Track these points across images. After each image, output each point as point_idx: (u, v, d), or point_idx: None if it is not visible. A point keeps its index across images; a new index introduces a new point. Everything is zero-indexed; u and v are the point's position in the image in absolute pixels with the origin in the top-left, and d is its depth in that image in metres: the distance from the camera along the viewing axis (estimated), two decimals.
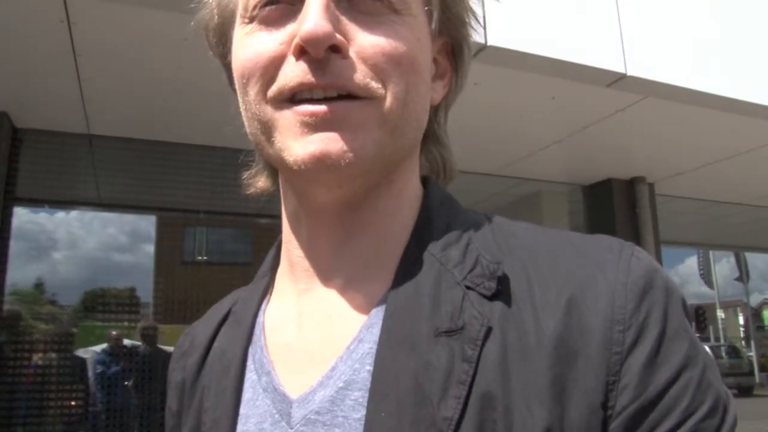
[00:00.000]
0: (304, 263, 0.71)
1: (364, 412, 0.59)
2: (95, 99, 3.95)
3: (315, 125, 0.61)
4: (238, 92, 0.68)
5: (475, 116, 4.01)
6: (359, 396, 0.60)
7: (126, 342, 5.50)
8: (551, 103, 4.22)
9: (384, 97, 0.63)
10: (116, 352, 5.41)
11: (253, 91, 0.64)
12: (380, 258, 0.68)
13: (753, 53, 4.34)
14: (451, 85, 0.77)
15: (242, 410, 0.68)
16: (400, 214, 0.71)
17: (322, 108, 0.60)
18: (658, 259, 5.88)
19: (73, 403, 4.85)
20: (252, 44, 0.64)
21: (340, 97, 0.61)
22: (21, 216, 4.77)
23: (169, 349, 5.49)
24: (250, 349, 0.71)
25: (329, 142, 0.60)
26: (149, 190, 5.04)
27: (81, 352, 5.35)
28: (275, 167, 0.75)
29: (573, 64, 3.64)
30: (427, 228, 0.69)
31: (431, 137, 0.76)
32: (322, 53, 0.60)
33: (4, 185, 4.24)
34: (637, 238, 5.79)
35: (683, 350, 0.56)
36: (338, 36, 0.60)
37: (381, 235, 0.69)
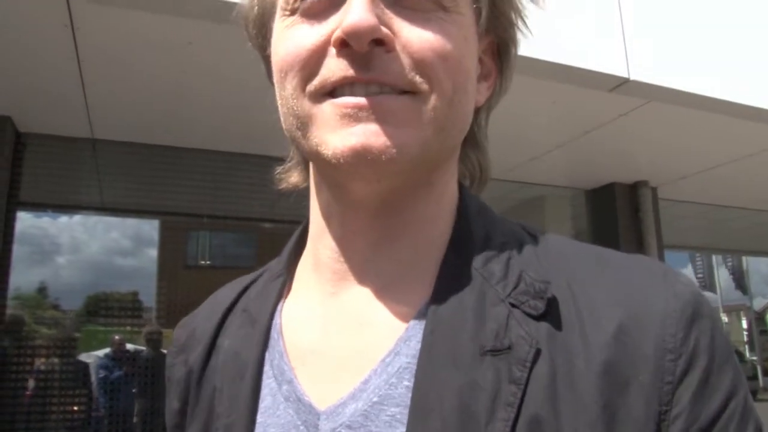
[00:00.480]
0: (334, 265, 0.68)
1: (402, 429, 0.57)
2: (99, 103, 3.95)
3: (356, 117, 0.58)
4: (276, 86, 0.67)
5: None
6: (396, 412, 0.58)
7: (129, 346, 5.50)
8: (553, 107, 4.22)
9: (429, 94, 0.60)
10: (119, 356, 5.41)
11: (290, 85, 0.62)
12: (417, 266, 0.66)
13: (756, 57, 4.33)
14: (495, 87, 0.74)
15: (260, 418, 0.65)
16: (439, 219, 0.68)
17: (362, 101, 0.58)
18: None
19: (75, 407, 4.85)
20: (292, 37, 0.62)
21: (383, 93, 0.59)
22: (24, 220, 4.77)
23: None
24: (267, 354, 0.68)
25: (371, 135, 0.58)
26: (152, 195, 5.05)
27: (84, 357, 5.34)
28: (309, 162, 0.73)
29: (575, 68, 3.64)
30: (466, 238, 0.66)
31: (470, 141, 0.74)
32: (365, 46, 0.58)
33: (8, 189, 4.24)
34: (640, 243, 5.78)
35: (730, 378, 0.56)
36: (383, 29, 0.58)
37: (418, 241, 0.67)
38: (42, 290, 5.50)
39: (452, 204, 0.70)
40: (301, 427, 0.62)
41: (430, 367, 0.57)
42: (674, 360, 0.55)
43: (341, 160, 0.59)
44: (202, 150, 4.64)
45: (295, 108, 0.62)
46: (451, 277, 0.63)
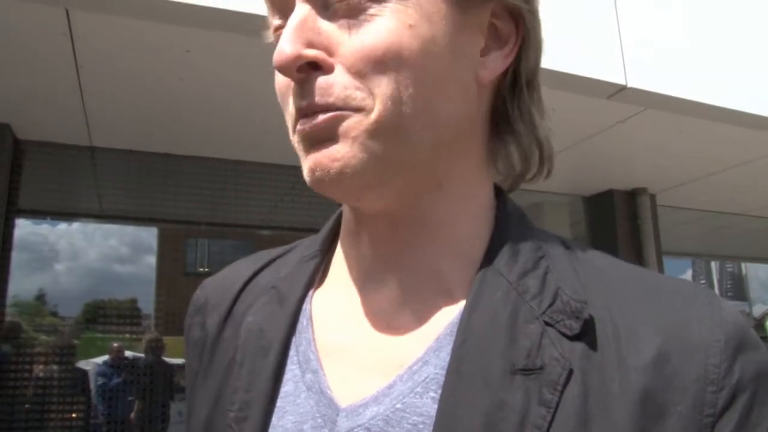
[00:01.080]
0: (362, 264, 0.67)
1: None
2: (97, 111, 3.96)
3: (309, 143, 0.59)
4: None
5: None
6: (419, 422, 0.56)
7: (127, 353, 5.49)
8: (551, 114, 4.22)
9: (372, 106, 0.57)
10: (117, 363, 5.40)
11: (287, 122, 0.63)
12: (451, 273, 0.64)
13: (754, 64, 4.35)
14: (520, 51, 0.65)
15: (279, 402, 0.63)
16: (465, 224, 0.66)
17: (305, 126, 0.58)
18: (660, 270, 5.87)
19: (74, 415, 4.84)
20: (275, 74, 0.62)
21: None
22: (23, 228, 4.77)
23: (172, 361, 5.51)
24: (294, 338, 0.66)
25: (318, 156, 0.58)
26: (151, 202, 5.05)
27: (82, 364, 5.34)
28: None
29: (573, 75, 3.65)
30: (502, 248, 0.63)
31: (501, 123, 0.67)
32: (296, 76, 0.57)
33: (6, 197, 4.24)
34: (638, 250, 5.78)
35: None
36: (308, 53, 0.56)
37: (449, 246, 0.65)
38: (41, 297, 5.50)
39: (483, 208, 0.67)
40: (319, 420, 0.60)
41: (459, 382, 0.56)
42: (716, 392, 0.53)
43: (312, 185, 0.60)
44: (201, 157, 4.65)
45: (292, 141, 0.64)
46: (486, 289, 0.60)
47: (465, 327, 0.58)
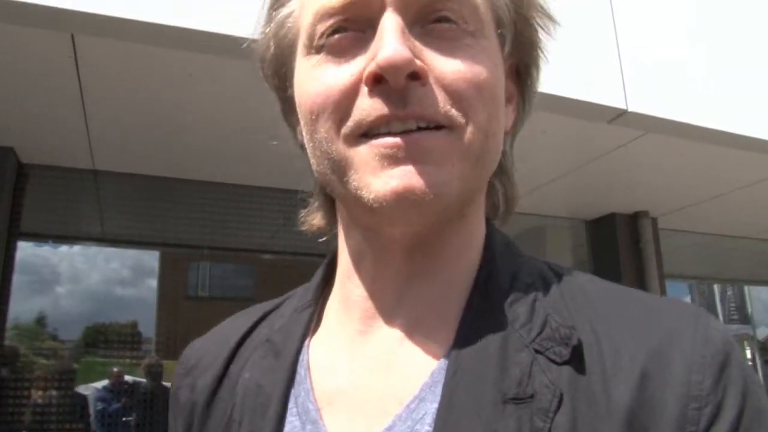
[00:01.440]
0: (364, 303, 0.66)
1: None
2: (101, 135, 3.98)
3: (395, 158, 0.57)
4: (305, 128, 0.64)
5: None
6: None
7: (127, 378, 5.46)
8: (552, 138, 4.24)
9: (465, 127, 0.59)
10: (117, 388, 5.37)
11: (323, 128, 0.60)
12: (445, 304, 0.64)
13: (754, 88, 4.37)
14: (518, 111, 0.73)
15: None
16: (468, 254, 0.67)
17: (399, 140, 0.56)
18: (663, 293, 5.85)
19: None
20: (321, 77, 0.60)
21: (420, 129, 0.57)
22: (25, 250, 4.77)
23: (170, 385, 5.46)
24: (293, 390, 0.66)
25: (412, 177, 0.56)
26: (153, 226, 5.05)
27: (82, 389, 5.30)
28: (333, 204, 0.71)
29: (573, 100, 3.66)
30: (491, 277, 0.64)
31: (497, 168, 0.70)
32: (402, 81, 0.56)
33: (9, 219, 4.25)
34: (641, 273, 5.76)
35: None
36: (417, 62, 0.57)
37: (448, 280, 0.65)
38: (41, 321, 5.48)
39: (480, 239, 0.69)
40: None
41: (451, 414, 0.56)
42: (699, 409, 0.53)
43: (383, 204, 0.57)
44: (203, 181, 4.66)
45: (330, 151, 0.61)
46: (475, 320, 0.61)
47: (455, 358, 0.58)
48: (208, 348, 0.76)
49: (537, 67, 0.72)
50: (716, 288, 8.87)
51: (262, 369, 0.68)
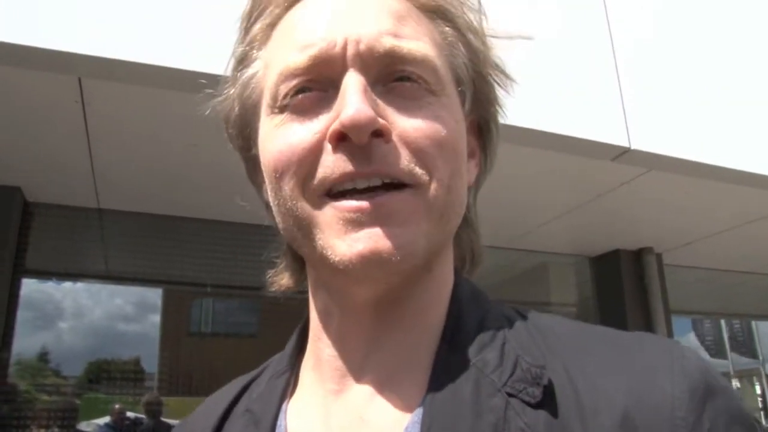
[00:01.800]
0: (335, 362, 0.67)
1: None
2: (106, 174, 4.00)
3: (360, 222, 0.57)
4: (270, 186, 0.65)
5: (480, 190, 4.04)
6: None
7: (129, 414, 5.42)
8: (555, 176, 4.25)
9: (429, 184, 0.60)
10: (119, 425, 5.33)
11: (288, 186, 0.61)
12: (413, 357, 0.65)
13: (757, 124, 4.38)
14: (481, 166, 0.75)
15: None
16: (436, 306, 0.67)
17: (364, 204, 0.57)
18: (669, 329, 5.81)
19: None
20: (285, 136, 0.62)
21: (384, 185, 0.58)
22: (30, 288, 4.77)
23: (173, 422, 5.42)
24: None
25: (378, 239, 0.57)
26: (157, 264, 5.05)
27: (83, 425, 5.26)
28: (302, 263, 0.72)
29: (576, 138, 3.68)
30: (458, 326, 0.65)
31: (462, 221, 0.72)
32: (365, 139, 0.57)
33: (14, 257, 4.26)
34: (646, 309, 5.73)
35: None
36: (381, 120, 0.58)
37: (415, 333, 0.65)
38: (44, 357, 5.46)
39: (447, 290, 0.69)
40: None
41: None
42: None
43: (349, 266, 0.58)
44: (207, 220, 4.67)
45: (295, 209, 0.61)
46: (446, 370, 0.61)
47: (429, 411, 0.58)
48: (196, 422, 0.76)
49: (496, 122, 0.75)
50: (723, 323, 8.80)
51: None
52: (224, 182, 4.19)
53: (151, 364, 5.73)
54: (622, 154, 3.90)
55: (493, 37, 0.74)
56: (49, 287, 5.43)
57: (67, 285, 5.56)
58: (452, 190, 0.62)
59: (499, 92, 0.75)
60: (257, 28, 0.70)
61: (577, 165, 4.03)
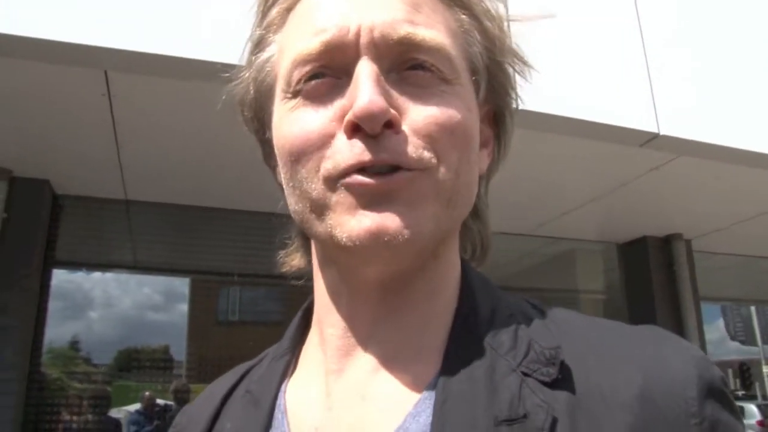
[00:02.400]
0: (338, 341, 0.67)
1: None
2: (133, 166, 4.04)
3: (370, 199, 0.58)
4: (283, 169, 0.66)
5: (507, 177, 4.01)
6: None
7: (159, 401, 5.50)
8: (584, 163, 4.21)
9: (437, 168, 0.60)
10: (149, 412, 5.42)
11: (304, 169, 0.62)
12: (423, 338, 0.65)
13: None
14: (494, 155, 0.75)
15: None
16: (445, 292, 0.67)
17: (376, 180, 0.58)
18: (698, 316, 5.76)
19: None
20: (299, 121, 0.62)
21: (393, 170, 0.59)
22: (60, 279, 4.85)
23: None
24: None
25: (386, 217, 0.58)
26: (185, 254, 5.10)
27: (115, 412, 5.36)
28: (316, 243, 0.71)
29: (605, 125, 3.64)
30: (472, 311, 0.65)
31: (472, 210, 0.71)
32: (378, 129, 0.58)
33: (44, 249, 4.33)
34: (674, 296, 5.69)
35: None
36: (392, 111, 0.58)
37: (424, 315, 0.66)
38: (75, 347, 5.56)
39: (456, 276, 0.70)
40: None
41: None
42: (699, 424, 0.54)
43: (357, 243, 0.58)
44: (234, 210, 4.70)
45: (309, 191, 0.62)
46: (460, 350, 0.61)
47: (444, 387, 0.58)
48: (196, 408, 0.77)
49: (511, 112, 0.74)
50: (754, 310, 8.69)
51: (241, 418, 0.69)
52: (251, 172, 4.21)
53: (179, 352, 5.81)
54: (651, 139, 3.85)
55: (513, 20, 0.74)
56: (79, 277, 5.51)
57: (97, 275, 5.64)
58: (461, 174, 0.62)
59: (518, 80, 0.74)
60: (274, 11, 0.69)
61: (605, 151, 3.98)
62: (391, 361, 0.64)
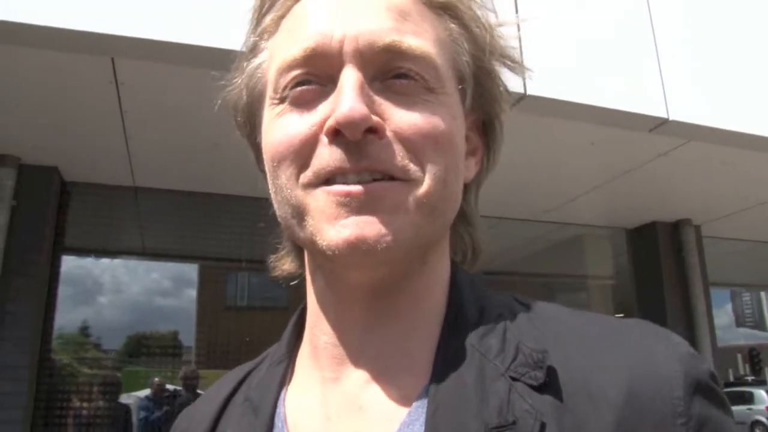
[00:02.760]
0: (332, 350, 0.67)
1: None
2: (140, 153, 4.05)
3: (349, 207, 0.58)
4: (269, 174, 0.66)
5: (515, 163, 4.00)
6: None
7: (168, 387, 5.55)
8: (592, 148, 4.19)
9: (422, 179, 0.60)
10: (159, 397, 5.46)
11: (284, 174, 0.62)
12: (413, 346, 0.65)
13: None
14: (483, 163, 0.74)
15: None
16: (433, 298, 0.67)
17: (357, 188, 0.58)
18: (708, 301, 5.75)
19: None
20: (283, 126, 0.63)
21: (374, 180, 0.59)
22: (69, 265, 4.88)
23: None
24: None
25: (365, 226, 0.58)
26: (192, 240, 5.12)
27: (124, 398, 5.40)
28: (303, 250, 0.72)
29: (614, 110, 3.62)
30: (460, 314, 0.65)
31: (461, 217, 0.72)
32: (359, 135, 0.58)
33: (54, 236, 4.35)
34: (684, 281, 5.67)
35: None
36: (374, 117, 0.59)
37: (413, 322, 0.66)
38: (85, 333, 5.60)
39: (445, 280, 0.70)
40: None
41: None
42: (685, 424, 0.54)
43: (336, 252, 0.58)
44: (241, 196, 4.71)
45: (290, 197, 0.62)
46: (449, 356, 0.62)
47: (434, 395, 0.59)
48: (197, 410, 0.78)
49: (500, 121, 0.74)
50: (763, 296, 8.67)
51: (242, 427, 0.69)
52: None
53: (188, 337, 5.85)
54: (660, 125, 3.83)
55: (501, 25, 0.73)
56: (88, 264, 5.55)
57: (106, 261, 5.67)
58: (447, 185, 0.62)
59: (528, 65, 0.74)
60: (268, 19, 0.70)
61: (614, 136, 3.97)
62: (383, 370, 0.64)
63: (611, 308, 6.79)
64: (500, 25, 0.72)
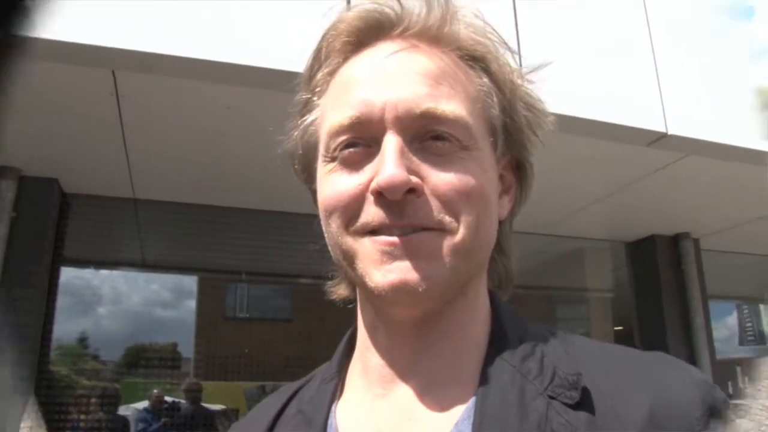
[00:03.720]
0: (382, 370, 0.74)
1: None
2: (140, 165, 4.06)
3: (393, 255, 0.66)
4: (322, 221, 0.74)
5: None
6: None
7: (167, 399, 5.52)
8: (592, 162, 4.20)
9: (457, 229, 0.68)
10: (157, 409, 5.44)
11: (335, 224, 0.70)
12: (458, 366, 0.72)
13: None
14: (516, 198, 0.82)
15: None
16: (474, 324, 0.75)
17: (397, 239, 0.67)
18: (706, 315, 5.74)
19: None
20: (334, 183, 0.71)
21: (414, 230, 0.67)
22: (68, 277, 4.87)
23: (211, 407, 5.51)
24: None
25: (407, 272, 0.66)
26: (192, 252, 5.12)
27: (123, 410, 5.38)
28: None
29: (613, 125, 3.63)
30: (503, 339, 0.73)
31: (497, 248, 0.80)
32: (399, 197, 0.66)
33: (53, 247, 4.35)
34: (683, 294, 5.67)
35: None
36: (413, 179, 0.66)
37: (457, 346, 0.73)
38: (83, 344, 5.59)
39: (485, 309, 0.77)
40: None
41: None
42: None
43: (383, 293, 0.67)
44: (241, 209, 4.72)
45: (340, 243, 0.71)
46: (493, 375, 0.69)
47: (480, 409, 0.66)
48: (248, 426, 0.84)
49: (529, 163, 0.82)
50: (762, 308, 8.64)
51: None
52: (258, 172, 4.22)
53: (187, 349, 5.84)
54: (658, 139, 3.84)
55: (527, 74, 0.81)
56: (88, 275, 5.54)
57: (105, 273, 5.66)
58: (480, 231, 0.70)
59: (531, 76, 0.81)
60: (319, 75, 0.78)
61: (613, 150, 3.98)
62: (432, 387, 0.71)
63: (610, 321, 6.79)
64: (527, 72, 0.81)
